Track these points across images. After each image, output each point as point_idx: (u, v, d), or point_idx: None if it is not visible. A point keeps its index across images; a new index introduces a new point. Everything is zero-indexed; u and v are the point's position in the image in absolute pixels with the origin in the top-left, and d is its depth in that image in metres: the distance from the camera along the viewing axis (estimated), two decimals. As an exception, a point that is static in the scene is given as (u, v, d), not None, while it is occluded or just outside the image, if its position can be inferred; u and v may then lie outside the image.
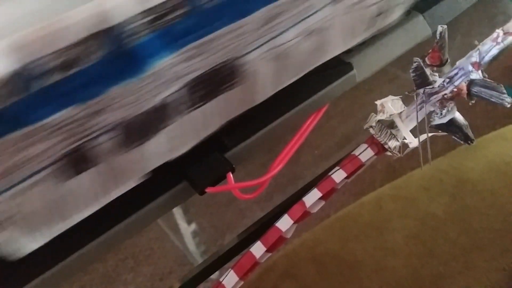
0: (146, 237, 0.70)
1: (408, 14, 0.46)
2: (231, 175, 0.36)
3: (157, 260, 0.69)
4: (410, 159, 0.34)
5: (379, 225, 0.45)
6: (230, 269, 0.33)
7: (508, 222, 0.43)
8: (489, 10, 0.51)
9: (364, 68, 0.43)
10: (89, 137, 0.27)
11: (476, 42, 0.31)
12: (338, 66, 0.42)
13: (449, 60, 0.31)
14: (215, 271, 0.39)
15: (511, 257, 0.40)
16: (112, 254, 0.66)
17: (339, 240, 0.44)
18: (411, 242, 0.43)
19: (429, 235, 0.43)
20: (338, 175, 0.34)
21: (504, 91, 0.29)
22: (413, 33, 0.46)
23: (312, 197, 0.34)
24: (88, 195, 0.30)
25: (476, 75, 0.30)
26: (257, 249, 0.33)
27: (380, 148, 0.34)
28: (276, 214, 0.35)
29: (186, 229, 0.62)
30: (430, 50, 0.31)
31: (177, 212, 0.61)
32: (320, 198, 0.34)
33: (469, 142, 0.31)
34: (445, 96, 0.31)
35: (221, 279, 0.33)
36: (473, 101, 0.31)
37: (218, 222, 0.69)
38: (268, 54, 0.33)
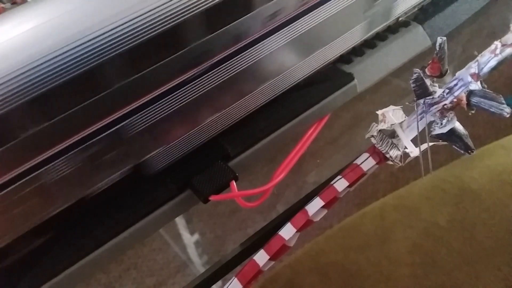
0: (149, 248, 0.70)
1: (408, 26, 0.47)
2: (235, 184, 0.36)
3: (159, 271, 0.69)
4: (412, 168, 0.34)
5: (382, 235, 0.44)
6: (234, 277, 0.33)
7: (511, 232, 0.42)
8: (490, 20, 0.52)
9: (364, 78, 0.44)
10: None
11: (476, 53, 0.32)
12: (339, 76, 0.43)
13: (449, 71, 0.32)
14: (217, 281, 0.39)
15: (515, 268, 0.40)
16: (115, 265, 0.66)
17: (342, 250, 0.44)
18: (414, 252, 0.42)
19: (432, 245, 0.43)
20: (340, 184, 0.34)
21: (503, 101, 0.30)
22: (413, 44, 0.46)
23: (314, 206, 0.34)
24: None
25: (476, 86, 0.30)
26: (261, 257, 0.33)
27: (382, 157, 0.34)
28: (279, 223, 0.35)
29: (189, 239, 0.62)
30: (430, 61, 0.32)
31: (180, 222, 0.61)
32: (323, 207, 0.34)
33: (469, 151, 0.32)
34: (445, 106, 0.31)
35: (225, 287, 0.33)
36: (473, 111, 0.31)
37: (220, 232, 0.69)
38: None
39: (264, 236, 0.36)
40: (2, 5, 0.39)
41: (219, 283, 0.39)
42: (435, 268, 0.41)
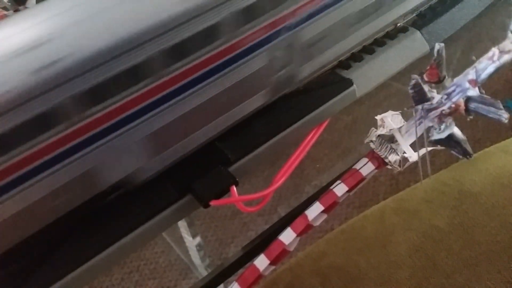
0: (151, 251, 0.70)
1: (406, 31, 0.48)
2: (235, 188, 0.36)
3: (162, 274, 0.69)
4: (413, 171, 0.35)
5: (383, 238, 0.45)
6: (234, 282, 0.34)
7: (511, 235, 0.42)
8: (488, 26, 0.52)
9: (363, 83, 0.44)
10: None
11: (474, 58, 0.32)
12: (338, 82, 0.43)
13: (447, 77, 0.32)
14: (220, 284, 0.39)
15: (516, 270, 0.40)
16: (117, 268, 0.66)
17: (343, 253, 0.44)
18: (415, 255, 0.42)
19: (432, 248, 0.43)
20: (340, 189, 0.35)
21: (501, 107, 0.30)
22: (411, 49, 0.47)
23: (314, 211, 0.34)
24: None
25: (473, 92, 0.31)
26: (261, 262, 0.34)
27: (381, 162, 0.35)
28: (280, 227, 0.35)
29: (191, 242, 0.62)
30: (428, 67, 0.32)
31: (182, 225, 0.61)
32: (323, 212, 0.35)
33: (467, 156, 0.32)
34: (443, 112, 0.32)
35: (225, 292, 0.34)
36: (471, 117, 0.32)
37: (222, 235, 0.70)
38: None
39: (266, 240, 0.36)
40: (5, 12, 0.40)
41: (221, 286, 0.40)
42: (435, 270, 0.41)
